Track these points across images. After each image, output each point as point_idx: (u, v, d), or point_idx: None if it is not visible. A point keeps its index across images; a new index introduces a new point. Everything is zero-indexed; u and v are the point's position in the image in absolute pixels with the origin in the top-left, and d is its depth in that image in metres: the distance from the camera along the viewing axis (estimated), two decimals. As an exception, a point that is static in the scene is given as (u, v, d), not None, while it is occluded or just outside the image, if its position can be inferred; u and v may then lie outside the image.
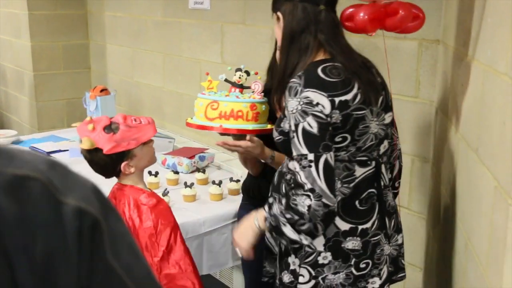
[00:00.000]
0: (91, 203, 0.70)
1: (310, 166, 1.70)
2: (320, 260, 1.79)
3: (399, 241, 1.96)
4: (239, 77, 2.31)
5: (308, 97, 1.70)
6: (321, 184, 1.69)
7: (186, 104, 3.88)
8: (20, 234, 0.64)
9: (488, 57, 1.40)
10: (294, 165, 1.74)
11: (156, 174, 2.91)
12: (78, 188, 0.70)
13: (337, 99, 1.71)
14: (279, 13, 1.86)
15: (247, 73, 2.33)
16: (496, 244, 1.21)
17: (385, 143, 1.88)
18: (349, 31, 1.90)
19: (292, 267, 1.89)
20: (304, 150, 1.71)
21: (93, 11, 4.84)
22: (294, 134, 1.73)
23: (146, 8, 4.16)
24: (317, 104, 1.70)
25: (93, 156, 1.98)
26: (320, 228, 1.74)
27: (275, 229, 1.80)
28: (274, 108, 2.12)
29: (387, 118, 1.87)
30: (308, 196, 1.69)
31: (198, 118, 2.29)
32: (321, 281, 1.82)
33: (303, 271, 1.85)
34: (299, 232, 1.76)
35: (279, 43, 1.92)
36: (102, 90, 4.18)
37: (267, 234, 1.95)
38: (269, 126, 2.21)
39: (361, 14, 1.80)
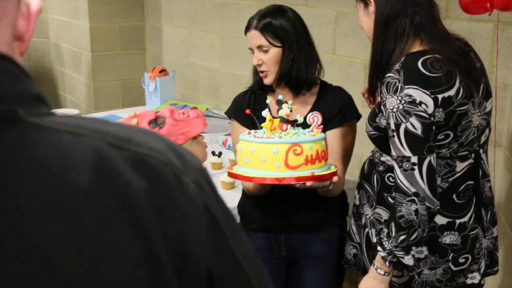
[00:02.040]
0: (202, 185, 0.71)
1: (413, 170, 1.64)
2: (416, 254, 1.71)
3: (495, 234, 1.90)
4: (290, 110, 1.85)
5: (410, 95, 1.63)
6: (425, 187, 1.64)
7: (243, 85, 3.85)
8: (151, 209, 0.65)
9: None
10: (394, 166, 1.69)
11: (220, 154, 2.94)
12: (191, 170, 0.71)
13: (440, 96, 1.63)
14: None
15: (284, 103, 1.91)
16: None
17: (486, 131, 1.82)
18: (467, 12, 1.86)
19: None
20: (407, 153, 1.64)
21: None
22: (395, 134, 1.66)
23: None
24: (420, 103, 1.62)
25: None
26: (424, 234, 1.68)
27: (396, 264, 1.72)
28: (368, 100, 2.03)
29: (488, 106, 1.80)
30: (413, 201, 1.65)
31: (259, 167, 1.80)
32: (416, 276, 1.78)
33: None
34: (411, 249, 1.69)
35: (368, 31, 1.82)
36: (161, 71, 4.23)
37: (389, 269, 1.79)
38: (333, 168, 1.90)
39: None
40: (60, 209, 0.62)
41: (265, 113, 1.85)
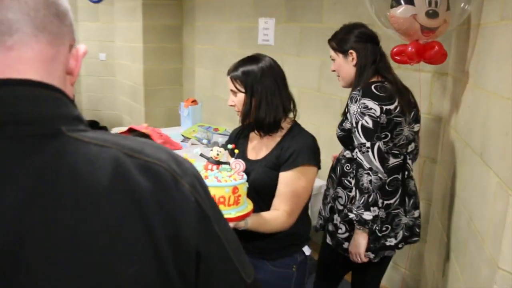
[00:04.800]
0: (195, 186, 0.69)
1: (367, 151, 1.74)
2: (373, 213, 1.77)
3: (416, 215, 1.97)
4: (217, 153, 1.53)
5: (365, 103, 1.76)
6: (377, 164, 1.73)
7: None
8: (154, 203, 0.64)
9: (493, 85, 1.38)
10: (356, 151, 1.78)
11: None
12: (187, 174, 0.69)
13: (384, 107, 1.76)
14: (351, 51, 1.89)
15: (224, 147, 1.59)
16: (497, 223, 1.20)
17: (412, 144, 1.91)
18: (397, 63, 1.94)
19: (335, 222, 1.97)
20: (363, 140, 1.75)
21: (187, 44, 4.87)
22: (355, 129, 1.77)
23: (226, 42, 4.16)
24: (371, 108, 1.75)
25: None
26: (379, 198, 1.75)
27: (360, 221, 1.78)
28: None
29: (416, 127, 1.91)
30: (369, 174, 1.74)
31: None
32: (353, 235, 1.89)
33: (341, 226, 1.94)
34: (370, 208, 1.76)
35: (346, 73, 1.93)
36: (193, 101, 4.26)
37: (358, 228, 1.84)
38: (249, 207, 1.52)
39: (409, 48, 1.81)
40: (87, 200, 0.61)
41: (195, 151, 1.63)
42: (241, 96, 1.67)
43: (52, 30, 0.65)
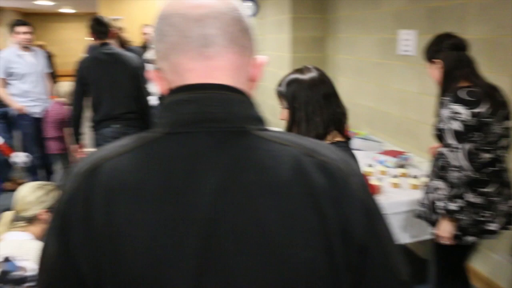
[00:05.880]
0: (361, 185, 0.70)
1: (457, 151, 1.92)
2: (458, 204, 1.99)
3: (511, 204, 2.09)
4: None
5: (454, 108, 1.93)
6: (465, 162, 1.90)
7: (390, 119, 3.96)
8: (328, 198, 0.65)
9: None
10: (447, 150, 1.96)
11: (370, 165, 3.05)
12: (355, 174, 0.71)
13: (474, 110, 1.91)
14: (439, 59, 2.10)
15: None
16: None
17: (505, 140, 2.03)
18: None
19: (436, 211, 2.13)
20: (453, 142, 1.93)
21: (330, 54, 5.05)
22: (446, 132, 1.96)
23: (366, 52, 4.27)
24: (461, 113, 1.91)
25: None
26: (467, 192, 1.95)
27: (447, 211, 2.02)
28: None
29: (507, 124, 2.02)
30: (457, 170, 1.92)
31: None
32: (457, 222, 2.05)
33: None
34: (455, 200, 1.97)
35: (436, 77, 2.14)
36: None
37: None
38: None
39: None
40: (270, 190, 0.64)
41: None
42: (285, 112, 1.64)
43: (241, 43, 0.70)
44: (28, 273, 0.77)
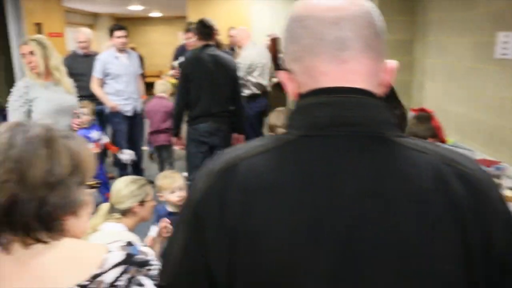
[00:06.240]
0: (501, 197, 0.68)
1: None
2: None
3: None
4: None
5: None
6: None
7: (483, 126, 3.78)
8: (470, 211, 0.64)
9: None
10: None
11: None
12: (494, 187, 0.69)
13: None
14: None
15: None
16: None
17: None
18: None
19: None
20: None
21: (418, 57, 4.94)
22: None
23: (458, 57, 4.12)
24: None
25: None
26: None
27: None
28: None
29: None
30: None
31: None
32: None
33: None
34: None
35: None
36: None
37: None
38: None
39: None
40: (410, 197, 0.63)
41: None
42: None
43: (374, 47, 0.70)
44: (149, 257, 0.83)
